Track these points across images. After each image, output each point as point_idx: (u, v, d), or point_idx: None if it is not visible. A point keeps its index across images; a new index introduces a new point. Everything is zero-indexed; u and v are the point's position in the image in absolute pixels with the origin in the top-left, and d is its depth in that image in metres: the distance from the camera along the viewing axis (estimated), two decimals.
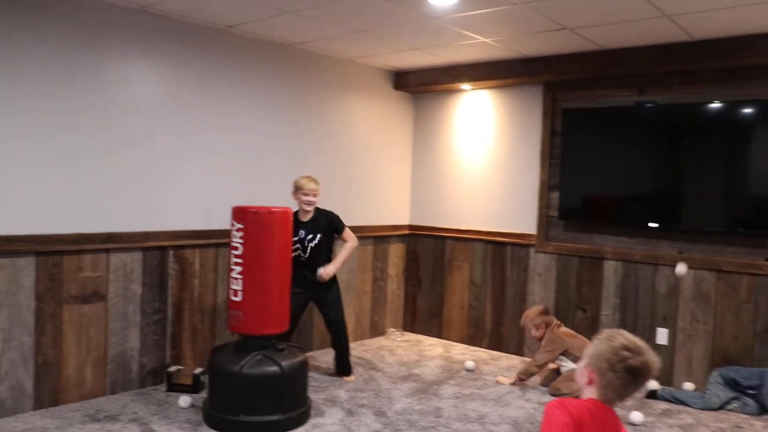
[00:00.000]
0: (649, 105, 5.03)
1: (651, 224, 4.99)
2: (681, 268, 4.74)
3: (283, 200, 4.70)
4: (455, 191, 6.23)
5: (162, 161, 4.55)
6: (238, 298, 3.91)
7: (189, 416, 4.04)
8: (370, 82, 6.05)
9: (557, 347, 4.83)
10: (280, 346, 4.01)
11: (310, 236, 4.67)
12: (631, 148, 5.13)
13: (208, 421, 3.92)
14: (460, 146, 6.21)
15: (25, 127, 3.90)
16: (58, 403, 4.13)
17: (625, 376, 1.84)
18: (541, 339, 4.94)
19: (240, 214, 3.92)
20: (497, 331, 5.90)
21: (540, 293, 5.57)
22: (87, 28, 4.12)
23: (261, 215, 3.90)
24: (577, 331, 5.04)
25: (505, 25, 4.43)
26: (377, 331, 6.34)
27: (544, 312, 5.02)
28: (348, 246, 4.80)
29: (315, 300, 4.83)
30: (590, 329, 5.20)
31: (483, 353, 5.82)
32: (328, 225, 4.75)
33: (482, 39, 4.79)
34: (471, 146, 6.13)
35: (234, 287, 3.93)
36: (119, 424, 3.89)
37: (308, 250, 4.66)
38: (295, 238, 4.52)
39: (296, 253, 4.56)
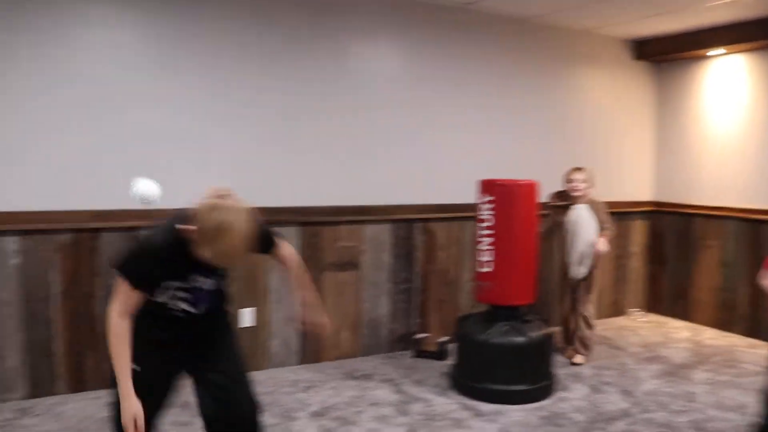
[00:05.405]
0: None
1: None
2: None
3: (522, 173, 4.69)
4: (705, 166, 5.78)
5: (407, 139, 4.76)
6: (487, 269, 4.00)
7: (437, 381, 4.22)
8: (607, 53, 5.79)
9: None
10: (527, 318, 4.04)
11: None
12: None
13: (456, 386, 4.06)
14: (710, 117, 5.74)
15: (287, 115, 4.32)
16: (318, 360, 4.55)
17: None
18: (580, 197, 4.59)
19: (488, 187, 3.99)
20: (753, 316, 5.41)
21: None
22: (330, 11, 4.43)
23: (509, 188, 3.94)
24: None
25: None
26: (618, 310, 6.12)
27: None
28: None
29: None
30: None
31: (736, 339, 5.37)
32: None
33: None
34: (723, 117, 5.63)
35: (483, 258, 4.02)
36: (373, 382, 4.18)
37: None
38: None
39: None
